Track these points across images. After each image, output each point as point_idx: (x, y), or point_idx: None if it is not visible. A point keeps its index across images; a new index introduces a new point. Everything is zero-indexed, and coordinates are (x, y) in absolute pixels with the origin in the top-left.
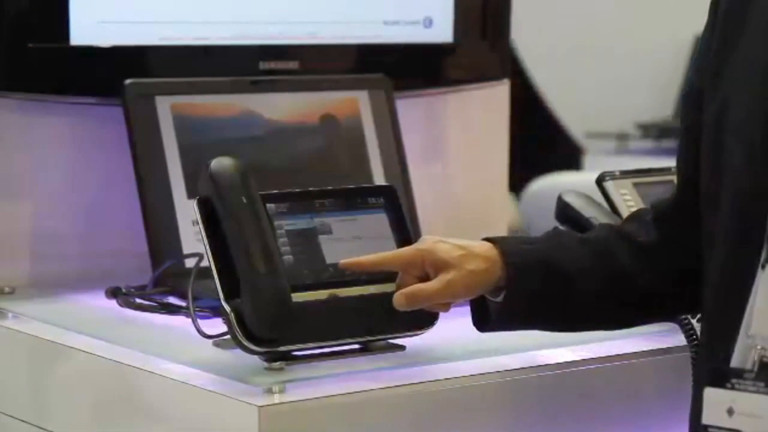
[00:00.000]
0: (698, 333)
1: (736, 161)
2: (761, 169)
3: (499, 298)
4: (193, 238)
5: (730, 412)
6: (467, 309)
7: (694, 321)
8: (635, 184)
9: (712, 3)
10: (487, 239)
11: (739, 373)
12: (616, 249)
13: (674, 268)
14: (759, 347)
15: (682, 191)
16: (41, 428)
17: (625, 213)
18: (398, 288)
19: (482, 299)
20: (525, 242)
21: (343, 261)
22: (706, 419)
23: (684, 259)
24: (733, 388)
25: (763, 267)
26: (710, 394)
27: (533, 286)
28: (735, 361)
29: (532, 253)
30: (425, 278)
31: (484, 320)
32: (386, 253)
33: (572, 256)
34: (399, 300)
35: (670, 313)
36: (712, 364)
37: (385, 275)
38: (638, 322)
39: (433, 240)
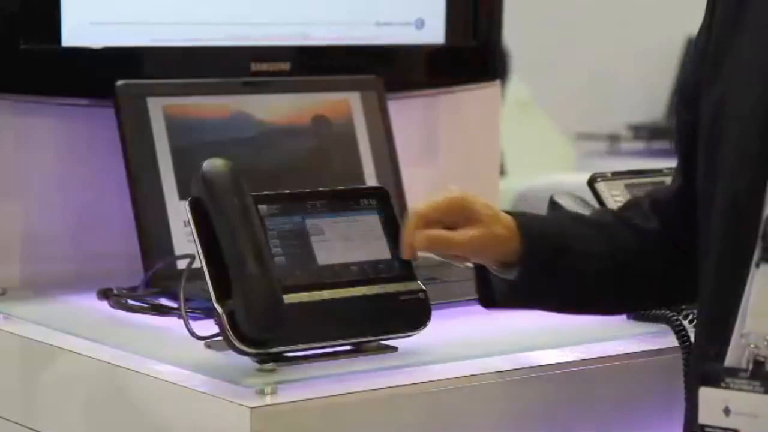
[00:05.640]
0: (690, 336)
1: (731, 160)
2: (756, 169)
3: (511, 275)
4: (184, 239)
5: (727, 411)
6: (460, 311)
7: (686, 323)
8: (627, 185)
9: (708, 1)
10: (506, 212)
11: (734, 373)
12: (621, 233)
13: (672, 256)
14: (752, 346)
15: (681, 182)
16: (33, 429)
17: None
18: (414, 226)
19: (487, 277)
20: (539, 219)
21: (406, 253)
22: (702, 419)
23: (682, 247)
24: (727, 387)
25: (757, 266)
26: (705, 393)
27: (548, 261)
28: (729, 361)
29: (547, 229)
30: (451, 227)
31: (489, 298)
32: (422, 205)
33: (582, 236)
34: (420, 240)
35: (670, 300)
36: (706, 363)
37: (380, 277)
38: (639, 305)
39: (465, 193)
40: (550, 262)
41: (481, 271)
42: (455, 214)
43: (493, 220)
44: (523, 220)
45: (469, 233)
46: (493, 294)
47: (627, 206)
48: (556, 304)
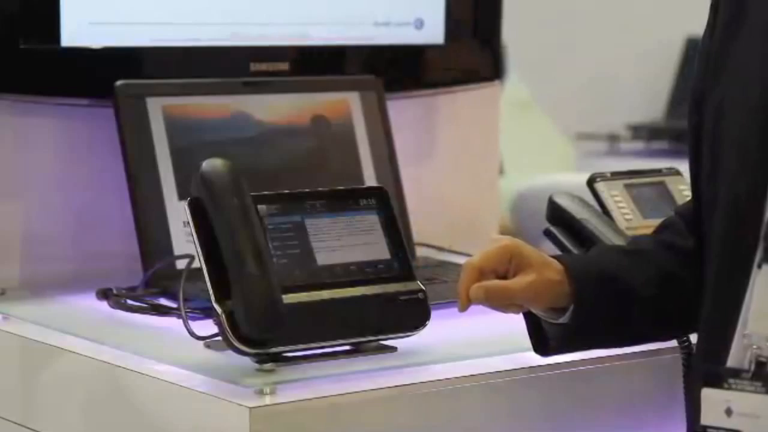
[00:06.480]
0: (690, 336)
1: (732, 163)
2: (756, 170)
3: (563, 319)
4: (184, 240)
5: (728, 412)
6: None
7: None
8: (626, 186)
9: (711, 5)
10: (552, 256)
11: (736, 373)
12: (663, 257)
13: None
14: (755, 347)
15: (696, 194)
16: (33, 430)
17: (616, 214)
18: (469, 279)
19: (539, 325)
20: (581, 257)
21: (462, 306)
22: (704, 420)
23: None
24: (730, 388)
25: (759, 266)
26: (707, 394)
27: (596, 294)
28: (731, 361)
29: (590, 266)
30: (503, 276)
31: (543, 345)
32: (475, 257)
33: (625, 265)
34: (477, 293)
35: None
36: (708, 364)
37: (380, 277)
38: (694, 327)
39: (514, 240)
40: (599, 294)
41: (532, 319)
42: (506, 263)
43: (543, 265)
44: (566, 260)
45: (524, 281)
46: (546, 341)
47: (663, 227)
48: (612, 339)
